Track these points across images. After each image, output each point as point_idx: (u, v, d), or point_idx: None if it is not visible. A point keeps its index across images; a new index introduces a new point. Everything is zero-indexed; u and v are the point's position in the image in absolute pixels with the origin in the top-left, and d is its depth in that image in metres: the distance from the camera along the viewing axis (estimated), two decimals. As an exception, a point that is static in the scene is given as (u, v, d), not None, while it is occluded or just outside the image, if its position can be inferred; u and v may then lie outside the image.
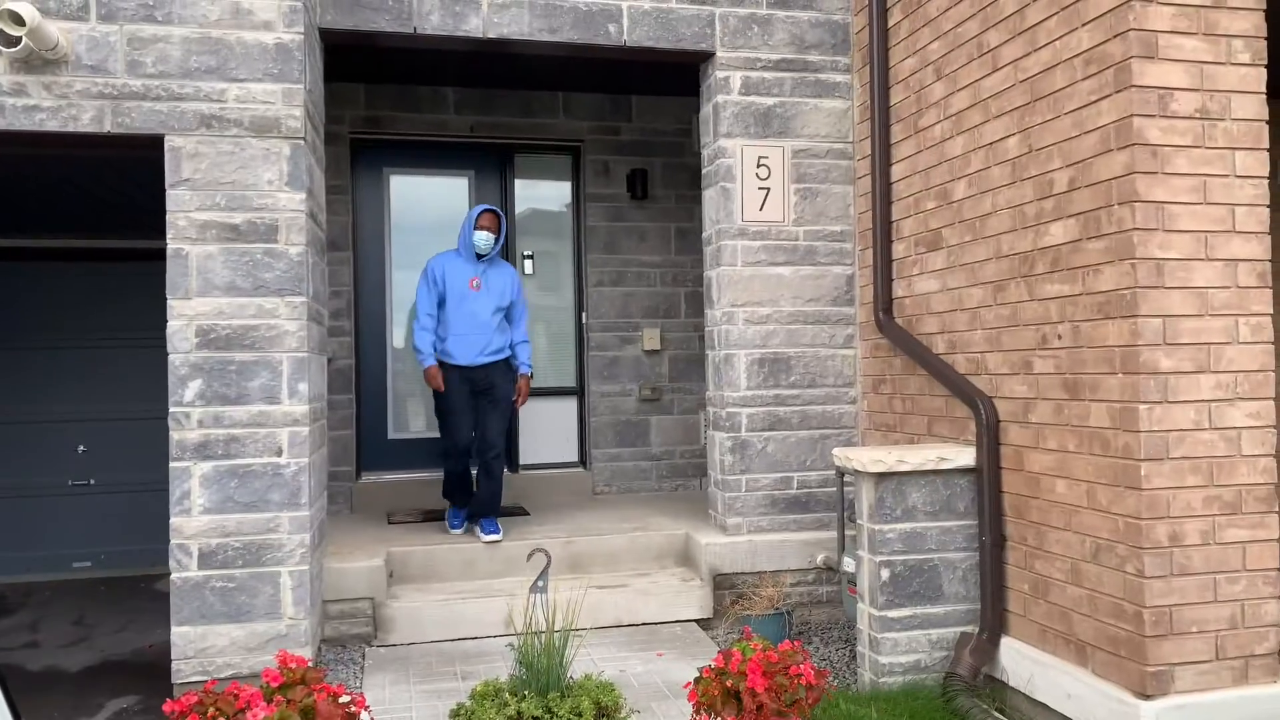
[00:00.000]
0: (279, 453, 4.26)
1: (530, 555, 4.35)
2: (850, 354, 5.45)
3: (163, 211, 4.27)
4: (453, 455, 5.65)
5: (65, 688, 4.84)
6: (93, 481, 7.40)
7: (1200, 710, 3.27)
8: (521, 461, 7.08)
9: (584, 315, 7.15)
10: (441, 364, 5.50)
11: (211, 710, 2.92)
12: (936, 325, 4.63)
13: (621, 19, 5.16)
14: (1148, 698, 3.27)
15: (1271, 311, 3.44)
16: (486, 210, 5.56)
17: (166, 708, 2.94)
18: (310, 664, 3.23)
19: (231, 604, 4.20)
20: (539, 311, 7.11)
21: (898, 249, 5.00)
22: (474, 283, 5.52)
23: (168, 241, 4.19)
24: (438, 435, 6.24)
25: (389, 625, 4.87)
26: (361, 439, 6.80)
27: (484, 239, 5.50)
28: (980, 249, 4.25)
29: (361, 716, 3.11)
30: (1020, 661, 3.90)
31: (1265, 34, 3.42)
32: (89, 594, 6.72)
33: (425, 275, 5.59)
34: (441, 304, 5.53)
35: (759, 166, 5.30)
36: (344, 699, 3.07)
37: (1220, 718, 3.28)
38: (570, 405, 7.22)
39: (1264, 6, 3.42)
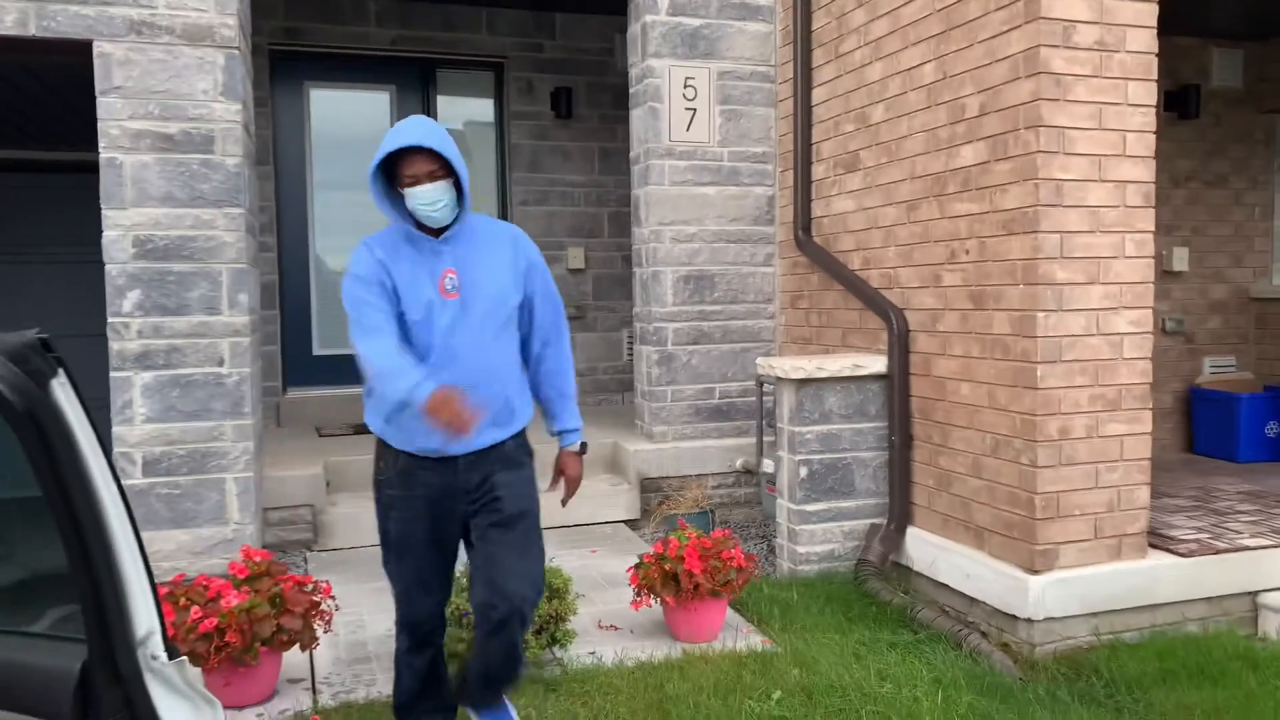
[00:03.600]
0: (220, 363, 4.33)
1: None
2: (770, 271, 5.72)
3: (88, 123, 4.22)
4: (410, 631, 2.86)
5: None
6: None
7: (1080, 582, 3.71)
8: (447, 377, 7.22)
9: (508, 233, 7.25)
10: (386, 448, 2.79)
11: (183, 600, 3.08)
12: (852, 243, 4.92)
13: (552, -65, 5.20)
14: (1036, 573, 3.69)
15: (1153, 229, 3.82)
16: (410, 150, 2.60)
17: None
18: (272, 558, 3.39)
19: (177, 510, 4.29)
20: (463, 229, 7.19)
21: (817, 170, 5.25)
22: (445, 281, 2.68)
23: (100, 150, 4.16)
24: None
25: (329, 531, 5.03)
26: (286, 355, 6.83)
27: (429, 197, 2.60)
28: (895, 170, 4.53)
29: (325, 604, 3.30)
30: (924, 548, 4.30)
31: (1158, -28, 3.72)
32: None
33: (359, 274, 2.66)
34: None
35: (686, 87, 5.46)
36: (308, 587, 3.25)
37: (1097, 588, 3.72)
38: (494, 322, 7.35)
39: (1157, -53, 3.72)
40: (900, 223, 4.52)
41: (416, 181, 2.57)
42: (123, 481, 4.27)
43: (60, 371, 1.18)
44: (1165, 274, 6.16)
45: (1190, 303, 6.29)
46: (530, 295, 2.77)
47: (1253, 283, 6.36)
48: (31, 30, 4.05)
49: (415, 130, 2.57)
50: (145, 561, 1.33)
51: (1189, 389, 6.27)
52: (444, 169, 2.58)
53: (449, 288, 2.64)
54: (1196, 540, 4.03)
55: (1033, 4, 3.63)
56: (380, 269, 2.61)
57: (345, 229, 6.85)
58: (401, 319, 2.63)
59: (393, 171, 2.62)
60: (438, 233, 2.66)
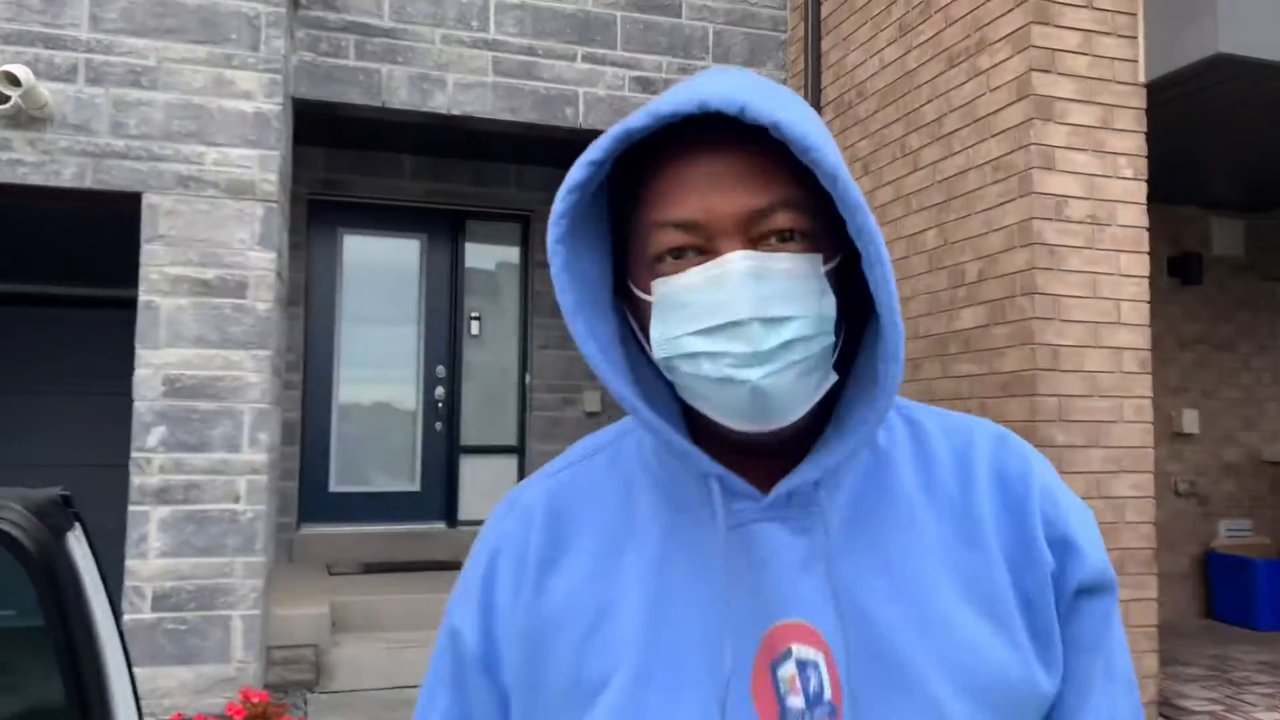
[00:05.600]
0: (237, 499, 4.42)
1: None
2: (780, 422, 5.80)
3: (124, 264, 4.47)
4: None
5: (-2, 731, 4.84)
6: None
7: (1088, 753, 3.62)
8: (461, 517, 7.26)
9: (527, 376, 7.43)
10: None
11: (178, 740, 3.08)
12: (860, 397, 5.02)
13: (578, 103, 5.56)
14: (1042, 741, 3.61)
15: (1151, 394, 3.90)
16: (700, 131, 0.72)
17: (133, 738, 3.08)
18: (271, 700, 3.40)
19: (182, 646, 4.31)
20: (480, 371, 7.37)
21: (826, 326, 5.41)
22: (787, 671, 0.72)
23: (139, 294, 4.38)
24: (380, 489, 6.52)
25: (331, 672, 5.00)
26: (303, 490, 6.92)
27: (742, 296, 0.69)
28: (901, 329, 4.67)
29: (319, 750, 3.28)
30: None
31: (1145, 153, 3.93)
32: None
33: (440, 649, 0.89)
34: None
35: (701, 244, 5.69)
36: (304, 733, 3.25)
37: (1106, 760, 3.63)
38: (510, 463, 7.44)
39: (1144, 129, 3.94)
40: (905, 380, 4.62)
41: (715, 238, 0.71)
42: (131, 616, 4.29)
43: (77, 525, 1.29)
44: (1176, 435, 6.19)
45: (1203, 465, 6.29)
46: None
47: (1265, 446, 6.37)
48: (88, 183, 4.35)
49: (727, 83, 0.72)
50: (136, 701, 1.39)
51: (1206, 553, 6.19)
52: (805, 212, 0.72)
53: (810, 691, 0.72)
54: (1210, 713, 3.94)
55: (1026, 180, 3.83)
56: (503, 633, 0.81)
57: (368, 361, 7.08)
58: None
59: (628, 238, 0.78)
60: (760, 461, 0.77)
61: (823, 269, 0.72)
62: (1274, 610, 5.77)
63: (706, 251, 0.71)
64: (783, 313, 0.69)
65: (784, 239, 0.71)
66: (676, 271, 0.71)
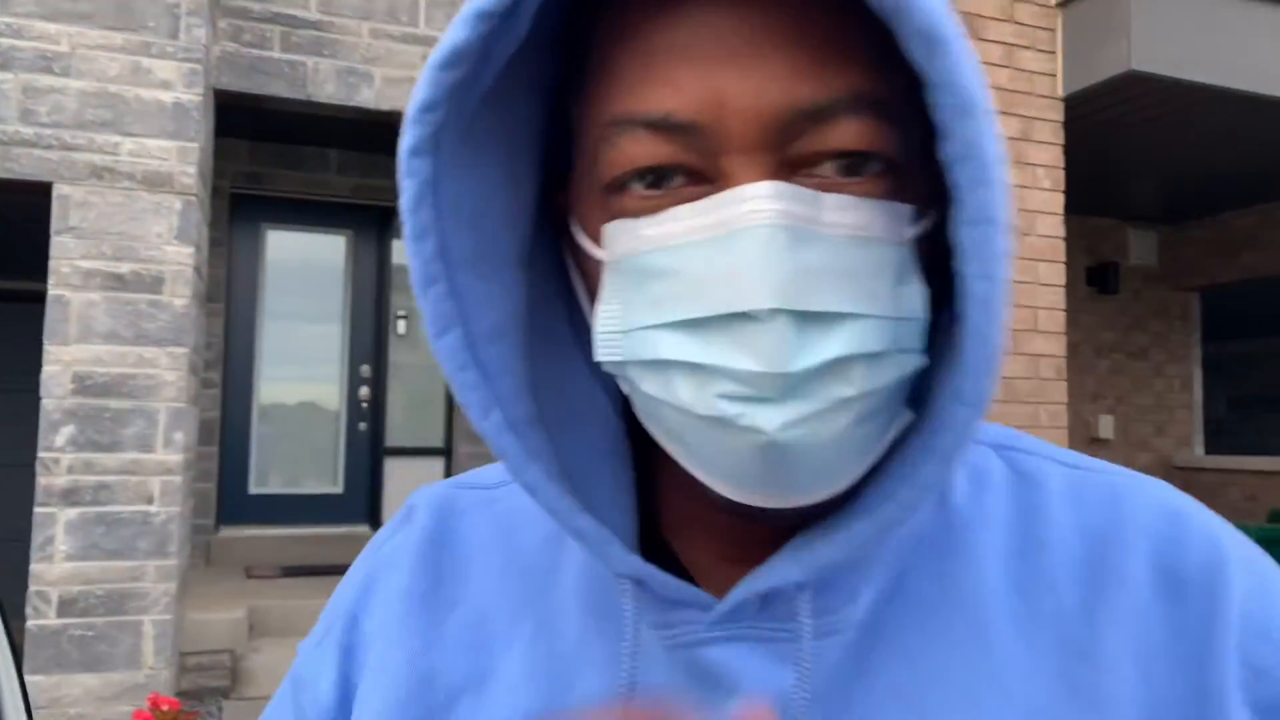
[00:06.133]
0: (150, 501, 4.28)
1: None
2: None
3: (35, 256, 4.30)
4: None
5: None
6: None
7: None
8: (384, 520, 7.12)
9: (456, 377, 7.34)
10: None
11: (81, 752, 2.97)
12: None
13: (509, 102, 5.51)
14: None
15: (1067, 400, 4.01)
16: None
17: (32, 750, 2.96)
18: (182, 707, 3.30)
19: (89, 653, 4.16)
20: (407, 371, 7.26)
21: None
22: None
23: (49, 287, 4.22)
24: (302, 491, 6.34)
25: (247, 678, 4.88)
26: (222, 492, 6.75)
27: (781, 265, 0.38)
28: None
29: (231, 759, 3.20)
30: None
31: (1063, 165, 4.04)
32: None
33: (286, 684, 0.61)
34: None
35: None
36: (215, 742, 3.16)
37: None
38: (436, 465, 7.34)
39: (1062, 142, 4.05)
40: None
41: (722, 154, 0.40)
42: (36, 622, 4.12)
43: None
44: (1094, 440, 6.38)
45: (1116, 469, 6.49)
46: None
47: (1175, 452, 6.59)
48: (-7, 170, 4.18)
49: None
50: (28, 710, 1.34)
51: (1118, 553, 6.39)
52: (893, 123, 0.40)
53: None
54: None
55: (949, 189, 3.90)
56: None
57: (291, 360, 6.94)
58: None
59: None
60: (761, 527, 0.46)
61: (909, 231, 0.41)
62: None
63: (705, 178, 0.41)
64: (835, 305, 0.38)
65: (850, 169, 0.40)
66: (649, 211, 0.41)
